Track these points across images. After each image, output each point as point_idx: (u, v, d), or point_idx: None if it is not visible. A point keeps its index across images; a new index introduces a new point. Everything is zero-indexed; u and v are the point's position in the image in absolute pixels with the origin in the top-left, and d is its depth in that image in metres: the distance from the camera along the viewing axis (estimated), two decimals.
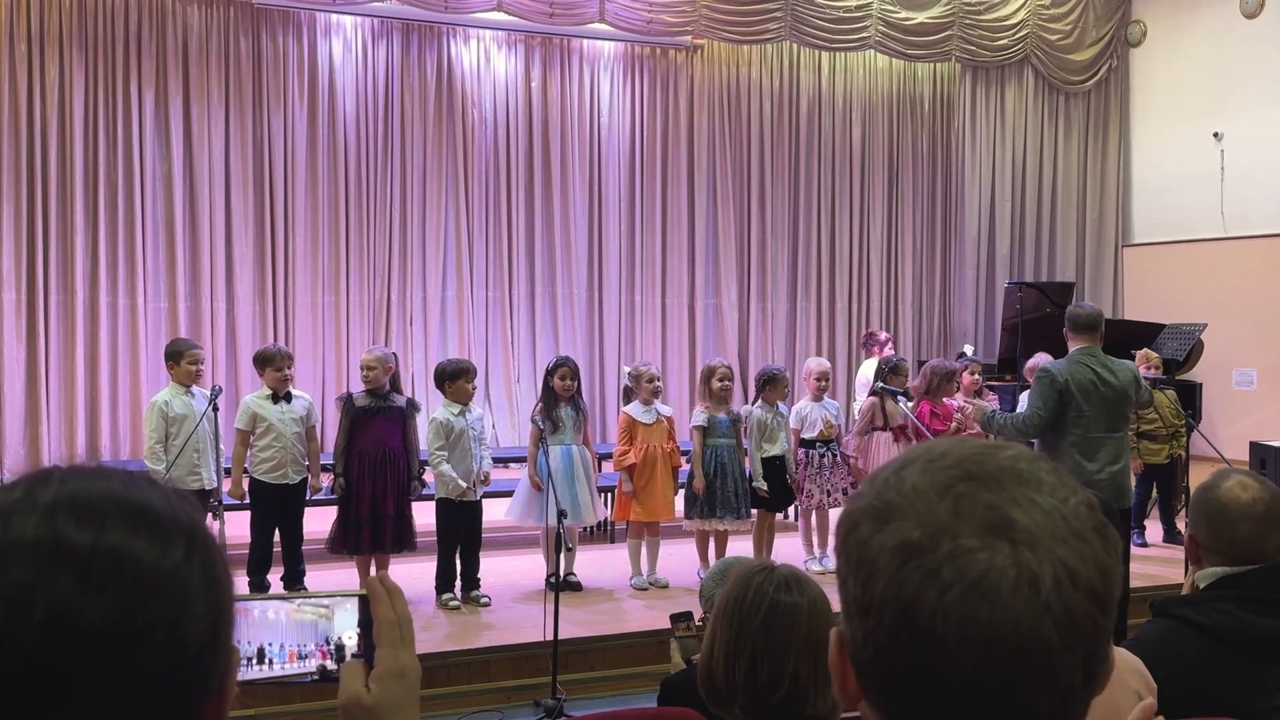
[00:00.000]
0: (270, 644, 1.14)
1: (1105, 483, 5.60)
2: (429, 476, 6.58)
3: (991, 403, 7.85)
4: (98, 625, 0.73)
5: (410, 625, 1.08)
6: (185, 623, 0.77)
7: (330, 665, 1.15)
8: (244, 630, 1.13)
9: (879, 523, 0.83)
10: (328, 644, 1.16)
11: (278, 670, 1.15)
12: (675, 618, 3.32)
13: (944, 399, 7.29)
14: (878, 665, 0.82)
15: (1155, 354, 8.08)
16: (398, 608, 1.07)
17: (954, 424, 7.11)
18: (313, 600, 1.17)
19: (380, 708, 1.03)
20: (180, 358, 6.20)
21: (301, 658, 1.15)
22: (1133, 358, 7.91)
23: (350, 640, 1.16)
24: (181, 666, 0.77)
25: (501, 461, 8.34)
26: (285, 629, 1.15)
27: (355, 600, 1.16)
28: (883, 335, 9.63)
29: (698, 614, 3.27)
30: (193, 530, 0.81)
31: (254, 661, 1.14)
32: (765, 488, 6.86)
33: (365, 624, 1.13)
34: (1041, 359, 7.21)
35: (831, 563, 7.06)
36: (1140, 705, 1.43)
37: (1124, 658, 2.28)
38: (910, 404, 7.16)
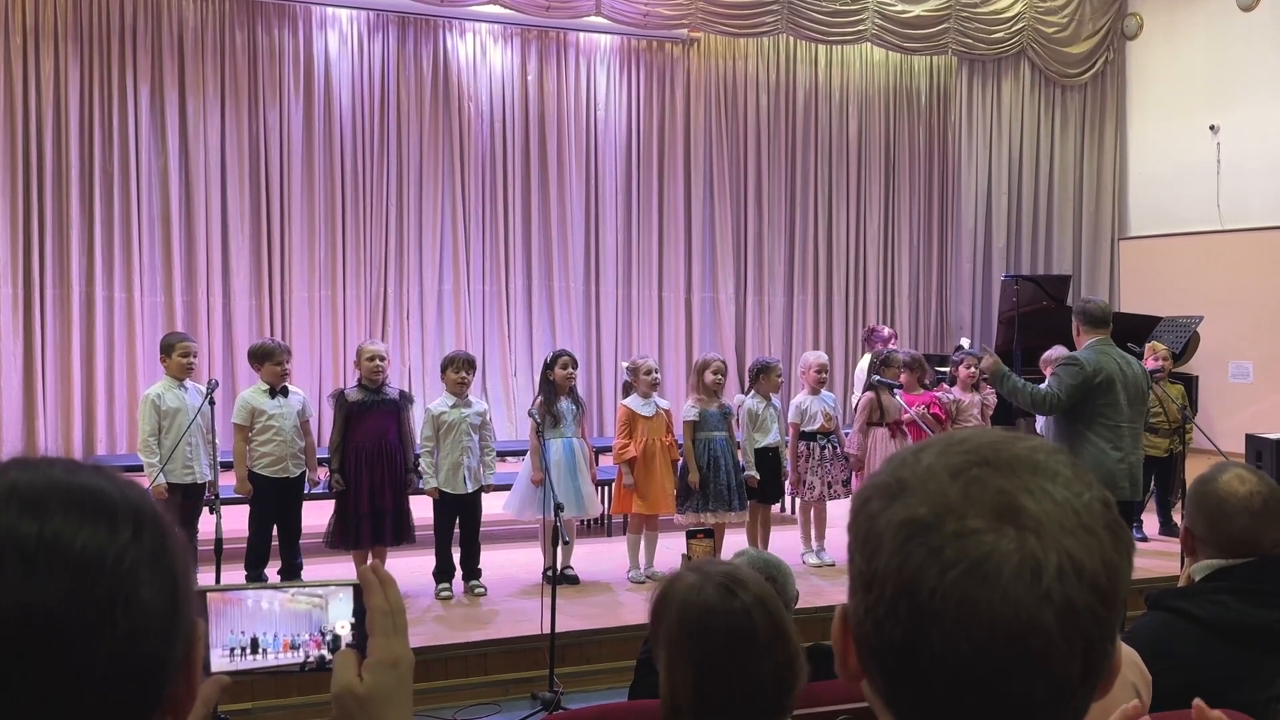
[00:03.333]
0: (264, 634, 1.14)
1: (1124, 472, 5.66)
2: (423, 468, 6.61)
3: (989, 396, 7.84)
4: (50, 611, 0.75)
5: (403, 615, 1.07)
6: (139, 600, 0.79)
7: (325, 655, 1.15)
8: (238, 620, 1.13)
9: (889, 499, 0.84)
10: (322, 634, 1.16)
11: (271, 660, 1.15)
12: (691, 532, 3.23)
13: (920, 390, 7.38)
14: (876, 640, 0.83)
15: (1162, 346, 8.07)
16: (390, 597, 1.07)
17: (911, 414, 7.07)
18: (307, 590, 1.17)
19: (373, 697, 1.02)
20: (172, 350, 6.20)
21: (295, 647, 1.15)
22: (1136, 351, 7.93)
23: (344, 630, 1.16)
24: (140, 644, 0.79)
25: (499, 455, 8.34)
26: (279, 619, 1.15)
27: (349, 590, 1.16)
28: (885, 331, 9.59)
29: None
30: (141, 510, 0.82)
31: (248, 651, 1.14)
32: (757, 476, 6.87)
33: (359, 613, 1.13)
34: (1059, 351, 7.19)
35: (829, 556, 7.09)
36: (1123, 709, 1.43)
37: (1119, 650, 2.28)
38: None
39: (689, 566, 2.08)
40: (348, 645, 1.14)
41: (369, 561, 6.09)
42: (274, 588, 1.17)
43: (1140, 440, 5.93)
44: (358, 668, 1.04)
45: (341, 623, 1.16)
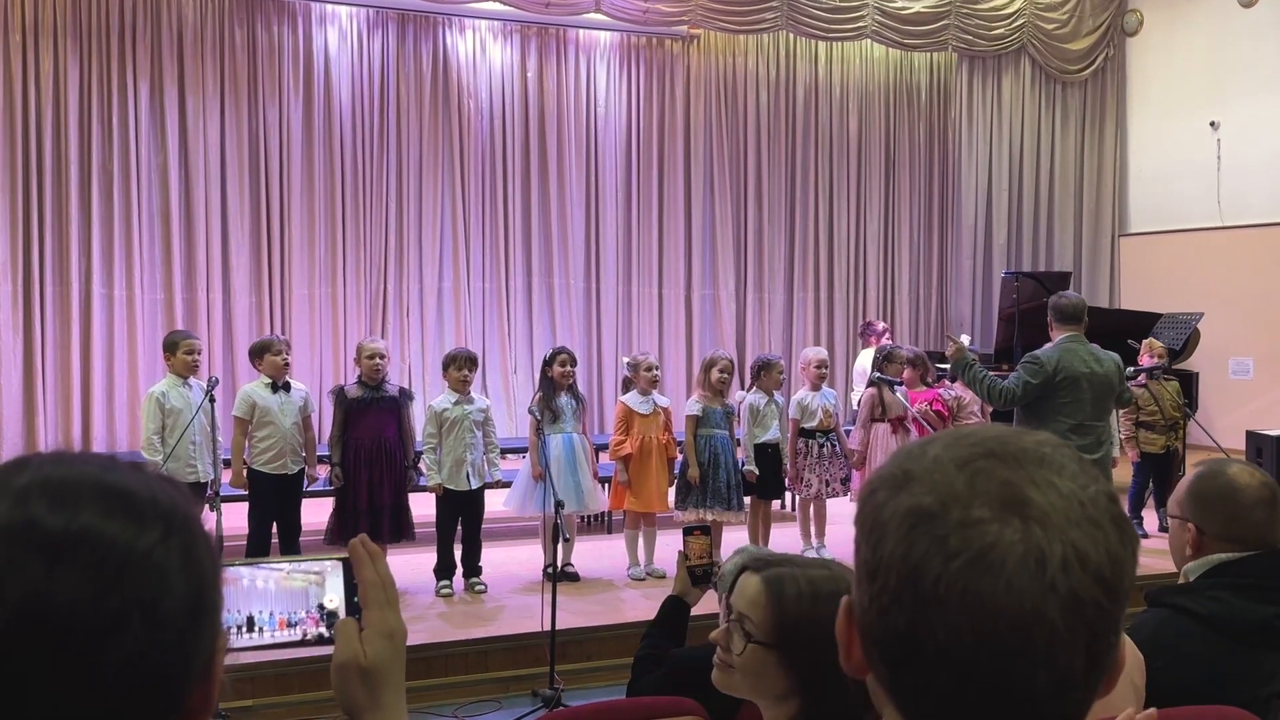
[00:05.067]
0: (260, 612, 1.14)
1: None
2: (424, 465, 6.61)
3: None
4: (70, 608, 0.73)
5: (394, 588, 1.10)
6: (162, 605, 0.76)
7: (324, 633, 1.15)
8: (234, 599, 1.12)
9: (895, 489, 0.84)
10: (320, 611, 1.16)
11: (268, 638, 1.14)
12: (688, 529, 3.05)
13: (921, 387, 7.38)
14: (880, 629, 0.83)
15: (1159, 343, 8.07)
16: (380, 570, 1.09)
17: (913, 411, 7.07)
18: (303, 566, 1.17)
19: (374, 669, 1.04)
20: (177, 348, 6.19)
21: (292, 625, 1.15)
22: (1135, 348, 7.93)
23: (332, 603, 1.16)
24: (160, 649, 0.76)
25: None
26: (275, 597, 1.15)
27: (339, 564, 1.16)
28: (880, 325, 9.63)
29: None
30: (172, 513, 0.80)
31: (243, 630, 1.13)
32: (756, 471, 6.87)
33: (349, 587, 1.14)
34: None
35: (829, 553, 7.09)
36: (1124, 715, 1.44)
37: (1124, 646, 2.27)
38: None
39: (788, 561, 1.98)
40: (347, 616, 1.14)
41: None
42: (270, 564, 1.16)
43: (1105, 438, 5.88)
44: (360, 638, 1.05)
45: (330, 596, 1.16)
